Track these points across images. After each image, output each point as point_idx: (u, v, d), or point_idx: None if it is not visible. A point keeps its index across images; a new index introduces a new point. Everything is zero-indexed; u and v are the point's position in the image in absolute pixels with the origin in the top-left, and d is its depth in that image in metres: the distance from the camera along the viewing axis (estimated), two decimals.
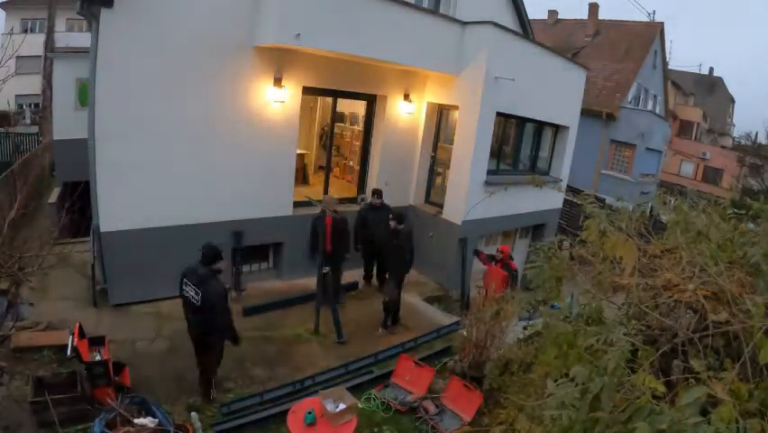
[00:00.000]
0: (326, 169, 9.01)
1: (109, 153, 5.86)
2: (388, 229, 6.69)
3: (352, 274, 7.90)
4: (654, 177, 19.30)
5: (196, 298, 4.44)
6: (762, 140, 26.20)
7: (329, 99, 8.78)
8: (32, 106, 22.04)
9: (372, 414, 4.92)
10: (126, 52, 5.69)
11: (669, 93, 23.97)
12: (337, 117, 9.47)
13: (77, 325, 4.64)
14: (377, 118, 8.77)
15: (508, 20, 10.16)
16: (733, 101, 39.35)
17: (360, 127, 9.65)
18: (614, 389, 2.11)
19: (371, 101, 8.73)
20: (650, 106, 20.74)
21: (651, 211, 10.36)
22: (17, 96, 21.99)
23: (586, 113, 13.26)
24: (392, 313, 6.83)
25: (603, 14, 20.51)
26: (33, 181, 7.72)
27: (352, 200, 8.99)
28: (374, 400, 5.10)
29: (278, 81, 6.89)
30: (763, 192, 18.83)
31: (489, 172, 8.77)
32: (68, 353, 4.42)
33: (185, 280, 4.59)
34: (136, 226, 6.18)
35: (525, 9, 10.70)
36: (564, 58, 10.63)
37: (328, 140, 9.08)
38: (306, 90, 7.42)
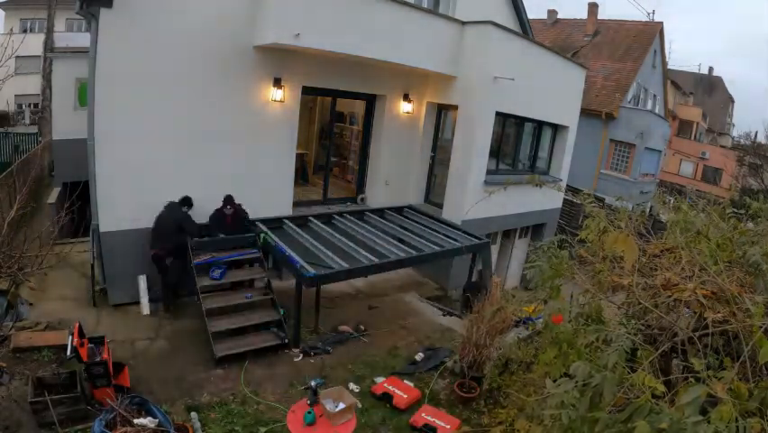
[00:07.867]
0: (326, 168, 9.01)
1: (109, 153, 5.86)
2: None
3: None
4: (654, 176, 19.30)
5: None
6: (761, 139, 26.15)
7: (328, 99, 8.78)
8: (32, 106, 21.99)
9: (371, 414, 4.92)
10: (126, 52, 5.68)
11: (668, 92, 23.96)
12: (337, 117, 9.47)
13: (77, 325, 4.64)
14: (376, 118, 8.77)
15: (508, 19, 10.15)
16: (732, 100, 39.34)
17: (359, 127, 9.65)
18: (615, 383, 2.11)
19: (371, 101, 8.72)
20: (649, 106, 20.72)
21: (650, 211, 10.36)
22: (17, 96, 21.92)
23: (585, 112, 13.28)
24: None
25: (602, 14, 20.53)
26: (33, 181, 7.70)
27: (353, 200, 8.99)
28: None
29: (277, 81, 6.89)
30: (762, 192, 18.83)
31: (489, 172, 8.76)
32: (68, 353, 4.42)
33: None
34: (136, 226, 6.17)
35: (524, 9, 10.69)
36: (564, 57, 10.63)
37: (328, 140, 9.09)
38: (306, 90, 7.42)
